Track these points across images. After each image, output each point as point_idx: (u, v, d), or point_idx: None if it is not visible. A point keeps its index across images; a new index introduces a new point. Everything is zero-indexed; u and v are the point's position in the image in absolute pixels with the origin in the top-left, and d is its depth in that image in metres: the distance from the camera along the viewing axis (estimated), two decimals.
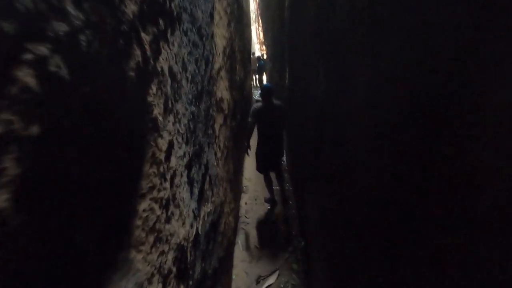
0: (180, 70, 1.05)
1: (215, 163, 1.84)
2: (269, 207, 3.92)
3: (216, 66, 1.91)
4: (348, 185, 1.26)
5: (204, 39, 1.49)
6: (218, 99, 1.98)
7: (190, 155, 1.21)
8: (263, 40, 12.25)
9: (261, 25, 12.70)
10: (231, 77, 2.83)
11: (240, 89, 4.08)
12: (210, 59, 1.65)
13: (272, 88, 3.14)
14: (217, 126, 1.93)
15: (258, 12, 13.02)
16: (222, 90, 2.16)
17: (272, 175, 3.94)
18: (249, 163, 5.09)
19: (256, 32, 15.65)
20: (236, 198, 3.47)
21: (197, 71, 1.34)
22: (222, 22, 2.21)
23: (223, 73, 2.21)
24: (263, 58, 11.70)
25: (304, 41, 2.49)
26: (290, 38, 3.70)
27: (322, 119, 1.81)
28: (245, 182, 4.63)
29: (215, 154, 1.87)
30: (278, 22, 4.90)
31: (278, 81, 5.67)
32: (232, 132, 2.95)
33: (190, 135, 1.20)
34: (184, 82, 1.10)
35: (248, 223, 3.74)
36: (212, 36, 1.73)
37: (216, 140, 1.91)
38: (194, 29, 1.27)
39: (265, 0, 8.43)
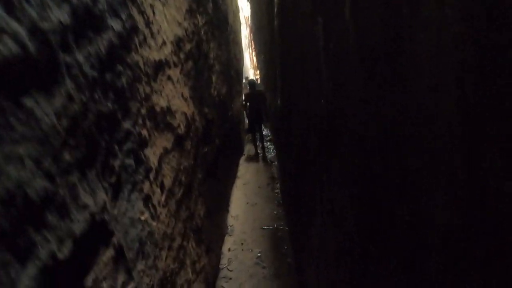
0: None
1: (145, 216, 1.05)
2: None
3: (152, 54, 1.19)
4: None
5: None
6: (158, 109, 1.24)
7: None
8: (256, 64, 11.85)
9: (254, 49, 12.39)
10: (197, 85, 2.11)
11: (221, 107, 3.37)
12: (125, 34, 0.93)
13: (255, 82, 5.77)
14: (153, 153, 1.17)
15: (251, 37, 12.77)
16: (172, 98, 1.42)
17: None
18: (237, 196, 4.25)
19: (250, 57, 15.43)
20: (212, 249, 2.63)
21: None
22: (175, 2, 1.54)
23: (174, 72, 1.48)
24: (257, 81, 11.15)
25: (302, 52, 1.84)
26: (281, 51, 3.08)
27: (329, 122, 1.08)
28: (231, 221, 3.77)
29: (147, 199, 1.09)
30: (269, 39, 4.37)
31: (272, 100, 5.19)
32: (203, 160, 2.19)
33: None
34: None
35: (230, 279, 2.85)
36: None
37: (151, 176, 1.14)
38: None
39: (256, 22, 8.19)
